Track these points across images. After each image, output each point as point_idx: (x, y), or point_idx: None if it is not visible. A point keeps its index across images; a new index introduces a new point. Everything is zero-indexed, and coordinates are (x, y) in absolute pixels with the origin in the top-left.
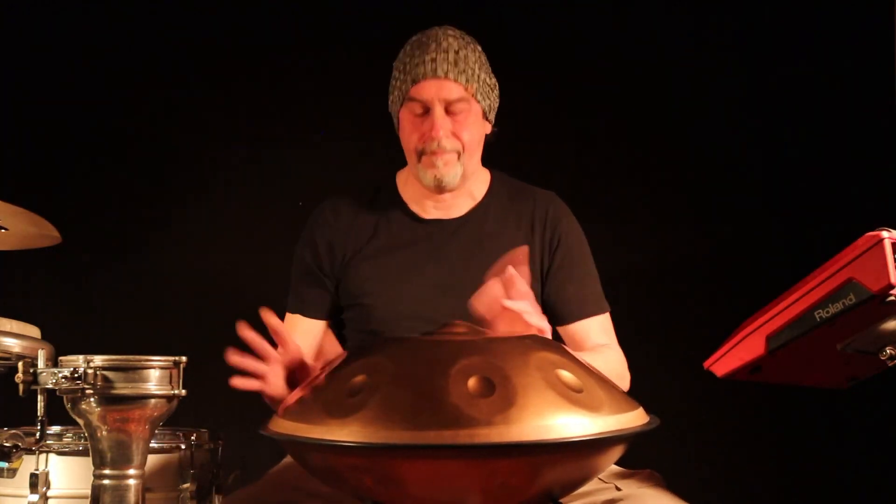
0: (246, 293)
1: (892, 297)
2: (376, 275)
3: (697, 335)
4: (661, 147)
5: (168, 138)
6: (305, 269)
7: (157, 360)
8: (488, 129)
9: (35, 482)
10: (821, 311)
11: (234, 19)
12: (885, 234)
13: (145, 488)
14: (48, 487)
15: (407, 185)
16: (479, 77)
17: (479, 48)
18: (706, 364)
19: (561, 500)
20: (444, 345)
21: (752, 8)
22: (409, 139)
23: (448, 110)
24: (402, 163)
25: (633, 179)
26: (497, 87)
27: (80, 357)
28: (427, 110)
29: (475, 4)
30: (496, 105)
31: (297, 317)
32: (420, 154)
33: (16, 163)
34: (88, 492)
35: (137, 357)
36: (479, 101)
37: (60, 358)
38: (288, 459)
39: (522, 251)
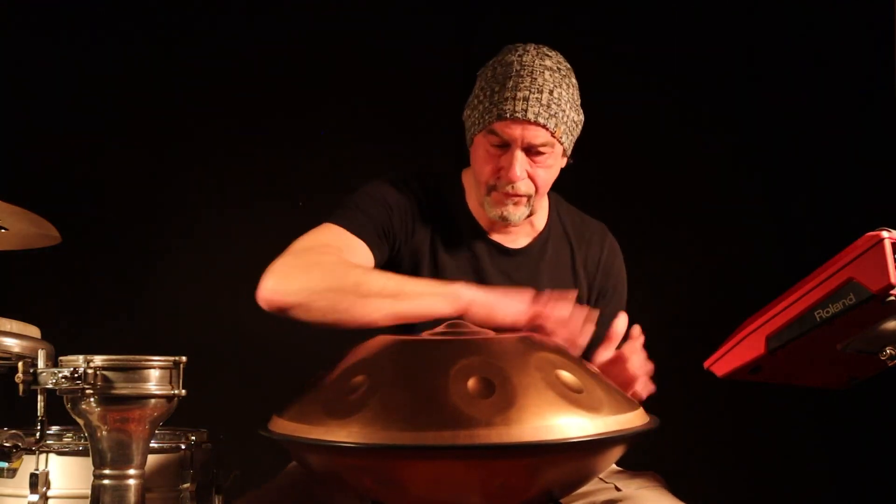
0: (246, 294)
1: (892, 297)
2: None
3: (697, 335)
4: (662, 147)
5: (168, 138)
6: (383, 212)
7: (157, 360)
8: (564, 163)
9: (35, 482)
10: (821, 311)
11: (234, 16)
12: (885, 234)
13: (145, 488)
14: (48, 487)
15: (471, 194)
16: (567, 117)
17: (573, 77)
18: (706, 364)
19: (561, 501)
20: (444, 345)
21: (752, 7)
22: (481, 170)
23: (528, 151)
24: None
25: (633, 177)
26: (582, 122)
27: (80, 357)
28: (506, 145)
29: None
30: (577, 137)
31: (356, 239)
32: (490, 189)
33: (16, 163)
34: (88, 492)
35: (137, 357)
36: (562, 143)
37: (60, 358)
38: (292, 466)
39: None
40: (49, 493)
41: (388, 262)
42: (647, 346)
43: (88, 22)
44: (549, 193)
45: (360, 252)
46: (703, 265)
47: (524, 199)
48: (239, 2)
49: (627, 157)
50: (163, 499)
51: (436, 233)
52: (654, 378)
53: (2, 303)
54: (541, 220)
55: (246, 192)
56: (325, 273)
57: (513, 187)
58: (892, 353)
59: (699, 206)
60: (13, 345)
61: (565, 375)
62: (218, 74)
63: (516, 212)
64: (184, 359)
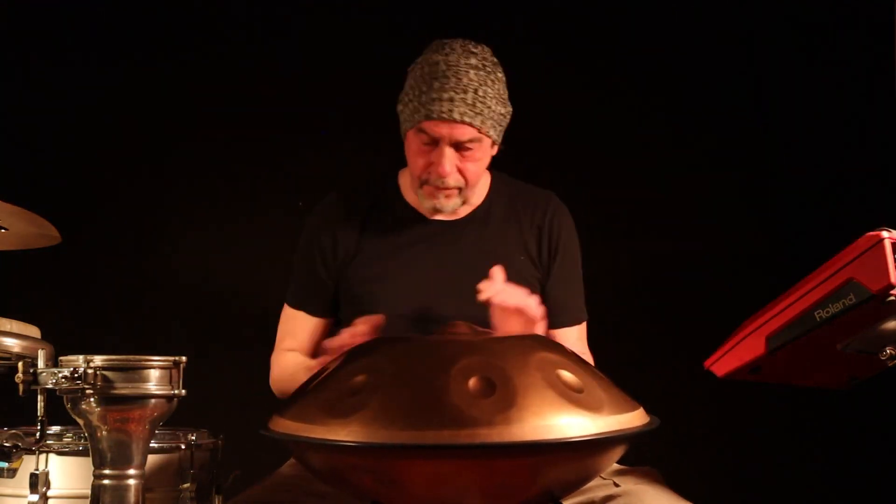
0: (245, 294)
1: (892, 297)
2: (379, 275)
3: (697, 335)
4: (661, 146)
5: (168, 138)
6: (309, 266)
7: (157, 360)
8: (495, 151)
9: (35, 482)
10: (821, 311)
11: (234, 13)
12: (885, 234)
13: (145, 488)
14: (48, 487)
15: (408, 186)
16: (494, 112)
17: (499, 72)
18: (706, 364)
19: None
20: (445, 345)
21: (752, 6)
22: (413, 163)
23: (457, 147)
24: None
25: (633, 177)
26: (510, 113)
27: (80, 357)
28: (436, 142)
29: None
30: (506, 127)
31: (300, 313)
32: (423, 182)
33: (16, 163)
34: (88, 492)
35: (137, 357)
36: (490, 136)
37: (60, 358)
38: (291, 461)
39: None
40: (49, 493)
41: (343, 276)
42: (648, 347)
43: (88, 24)
44: (491, 172)
45: (304, 324)
46: (703, 265)
47: (455, 192)
48: (238, 4)
49: (626, 156)
50: (163, 499)
51: (374, 232)
52: (654, 378)
53: (2, 303)
54: (480, 195)
55: (246, 193)
56: (280, 374)
57: (443, 182)
58: (892, 353)
59: (699, 206)
60: (13, 345)
61: (566, 375)
62: (217, 76)
63: (448, 203)
64: (184, 359)
